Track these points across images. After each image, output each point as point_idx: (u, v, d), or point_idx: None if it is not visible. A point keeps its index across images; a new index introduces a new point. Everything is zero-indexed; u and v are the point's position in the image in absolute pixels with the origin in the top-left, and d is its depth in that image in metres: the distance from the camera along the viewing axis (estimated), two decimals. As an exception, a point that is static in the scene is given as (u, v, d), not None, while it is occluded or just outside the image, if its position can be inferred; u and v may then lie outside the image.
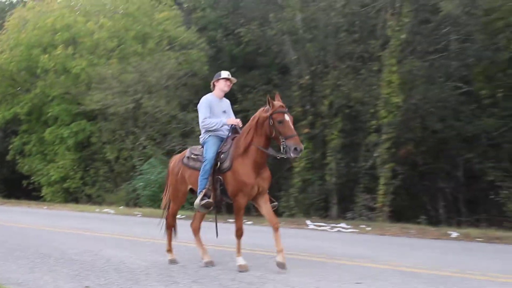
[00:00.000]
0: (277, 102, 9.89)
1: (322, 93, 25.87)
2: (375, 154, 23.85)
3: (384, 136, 23.25)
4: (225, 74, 10.97)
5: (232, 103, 28.99)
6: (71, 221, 22.06)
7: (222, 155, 10.23)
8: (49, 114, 35.74)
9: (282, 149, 9.63)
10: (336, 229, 19.68)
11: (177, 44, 33.62)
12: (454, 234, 17.14)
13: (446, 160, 25.59)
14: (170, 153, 30.01)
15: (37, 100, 36.18)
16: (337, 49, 26.04)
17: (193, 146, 11.32)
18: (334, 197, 25.54)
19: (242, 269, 10.13)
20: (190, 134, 30.51)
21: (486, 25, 23.58)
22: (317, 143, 25.93)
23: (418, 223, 20.52)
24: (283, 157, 10.02)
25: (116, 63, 32.57)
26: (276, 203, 10.62)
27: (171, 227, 11.58)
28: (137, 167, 31.03)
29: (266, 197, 10.37)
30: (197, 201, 10.26)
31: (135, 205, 29.78)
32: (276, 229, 9.92)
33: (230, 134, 10.59)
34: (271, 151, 10.20)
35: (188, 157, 10.96)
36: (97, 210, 29.12)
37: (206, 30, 33.96)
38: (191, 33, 33.79)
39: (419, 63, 24.55)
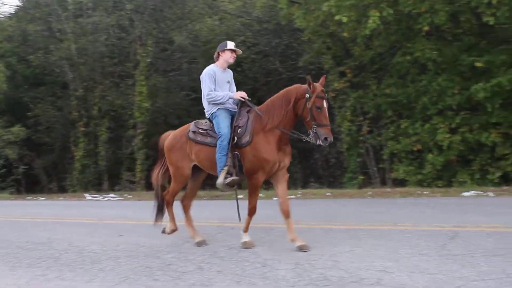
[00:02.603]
0: (319, 86, 6.87)
1: (93, 101, 24.82)
2: (133, 143, 23.38)
3: (138, 131, 22.92)
4: (231, 45, 7.67)
5: (26, 111, 27.61)
6: None
7: (239, 130, 7.17)
8: None
9: (311, 134, 6.84)
10: (106, 199, 19.02)
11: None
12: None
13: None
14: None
15: None
16: (102, 69, 25.06)
17: (197, 120, 7.83)
18: (105, 176, 24.69)
19: (247, 245, 7.19)
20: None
21: (205, 52, 23.74)
22: (90, 137, 24.84)
23: (165, 190, 20.17)
24: (308, 140, 7.03)
25: None
26: (287, 174, 7.48)
27: (171, 205, 8.08)
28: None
29: (285, 176, 7.36)
30: (220, 180, 7.09)
31: None
32: (286, 217, 7.08)
33: (241, 107, 7.44)
34: (296, 134, 7.37)
35: (194, 132, 7.58)
36: None
37: (4, 57, 31.07)
38: (-8, 60, 30.73)
39: (161, 79, 24.54)
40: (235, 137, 7.10)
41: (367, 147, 17.92)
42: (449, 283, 4.99)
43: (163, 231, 8.15)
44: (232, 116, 7.34)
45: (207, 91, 7.38)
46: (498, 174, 14.63)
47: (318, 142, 6.77)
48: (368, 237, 7.34)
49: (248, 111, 7.30)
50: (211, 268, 6.23)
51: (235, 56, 7.68)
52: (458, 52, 15.34)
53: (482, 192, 12.75)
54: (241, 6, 23.94)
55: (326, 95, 6.91)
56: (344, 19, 14.50)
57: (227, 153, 7.07)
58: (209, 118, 7.53)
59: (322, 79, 7.00)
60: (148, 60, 23.01)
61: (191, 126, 7.65)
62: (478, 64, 14.40)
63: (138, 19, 23.36)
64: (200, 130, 7.50)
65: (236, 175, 7.08)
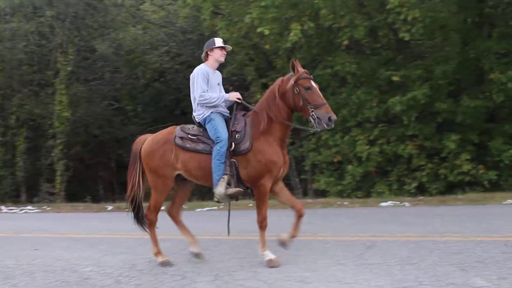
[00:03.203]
0: (301, 68, 6.29)
1: (10, 110, 23.70)
2: (52, 154, 22.45)
3: (58, 141, 21.99)
4: (219, 42, 6.80)
5: None
6: None
7: (237, 135, 6.37)
8: None
9: (312, 121, 6.09)
10: (24, 211, 18.35)
11: None
12: (110, 207, 16.94)
13: (104, 155, 25.14)
14: None
15: None
16: (21, 77, 23.92)
17: (183, 125, 6.84)
18: (23, 187, 23.65)
19: (273, 264, 6.24)
20: None
21: (128, 61, 23.80)
22: (8, 148, 23.74)
23: (85, 201, 19.68)
24: (316, 131, 6.33)
25: None
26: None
27: (154, 225, 6.94)
28: None
29: (281, 184, 6.80)
30: (219, 189, 6.22)
31: None
32: (300, 216, 6.56)
33: (236, 111, 6.61)
34: (298, 126, 7.03)
35: (182, 138, 6.62)
36: None
37: None
38: None
39: (83, 88, 23.97)
40: (233, 143, 6.33)
41: (289, 159, 18.03)
42: (365, 292, 5.08)
43: (164, 263, 6.79)
44: (226, 121, 6.58)
45: (199, 92, 6.53)
46: (414, 184, 15.09)
47: (322, 127, 6.06)
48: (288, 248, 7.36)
49: (243, 115, 6.59)
50: (130, 281, 6.07)
51: (226, 53, 6.85)
52: (376, 66, 15.79)
53: (399, 202, 13.12)
54: (164, 16, 23.80)
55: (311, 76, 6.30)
56: (266, 32, 14.66)
57: (225, 161, 6.29)
58: (199, 122, 6.65)
59: (297, 62, 6.33)
60: (69, 68, 22.26)
61: (177, 131, 6.69)
62: (395, 78, 14.88)
63: (59, 26, 22.55)
64: (189, 136, 6.60)
65: (235, 186, 6.29)
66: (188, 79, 7.08)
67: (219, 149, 6.26)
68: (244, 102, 6.62)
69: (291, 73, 6.31)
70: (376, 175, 15.96)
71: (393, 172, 15.54)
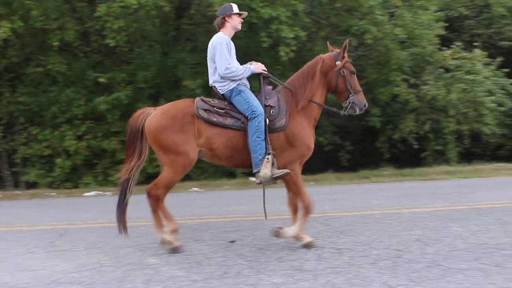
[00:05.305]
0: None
1: None
2: None
3: None
4: (236, 7, 5.52)
5: None
6: None
7: (272, 110, 5.27)
8: None
9: (348, 104, 5.49)
10: None
11: None
12: None
13: None
14: None
15: None
16: None
17: (202, 97, 5.44)
18: None
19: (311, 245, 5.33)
20: None
21: None
22: None
23: None
24: (344, 114, 5.59)
25: None
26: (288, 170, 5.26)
27: (162, 200, 5.60)
28: None
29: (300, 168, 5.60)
30: (265, 171, 5.09)
31: None
32: (294, 211, 5.62)
33: (264, 84, 5.50)
34: (332, 109, 5.60)
35: (207, 110, 5.27)
36: None
37: None
38: None
39: None
40: (267, 119, 5.30)
41: (0, 152, 16.81)
42: (49, 277, 5.00)
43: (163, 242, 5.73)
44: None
45: (225, 64, 5.37)
46: (117, 176, 15.26)
47: (354, 112, 5.61)
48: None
49: (273, 89, 5.63)
50: None
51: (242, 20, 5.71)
52: (85, 68, 15.52)
53: (102, 192, 13.14)
54: None
55: None
56: (-27, 26, 13.37)
57: (266, 137, 5.24)
58: (223, 94, 5.52)
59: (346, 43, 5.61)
60: None
61: (199, 103, 5.39)
62: (101, 80, 14.85)
63: None
64: (215, 109, 5.37)
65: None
66: None
67: (258, 125, 5.23)
68: (270, 76, 5.66)
69: (333, 52, 5.67)
70: (83, 168, 15.70)
71: (99, 165, 15.47)
